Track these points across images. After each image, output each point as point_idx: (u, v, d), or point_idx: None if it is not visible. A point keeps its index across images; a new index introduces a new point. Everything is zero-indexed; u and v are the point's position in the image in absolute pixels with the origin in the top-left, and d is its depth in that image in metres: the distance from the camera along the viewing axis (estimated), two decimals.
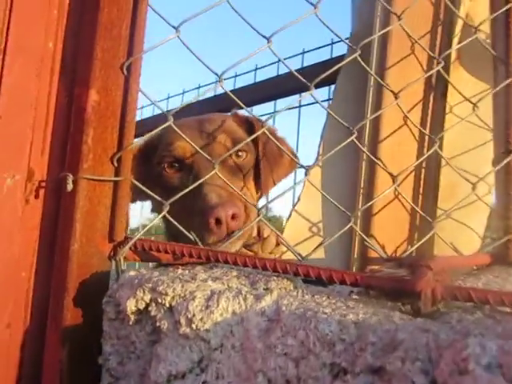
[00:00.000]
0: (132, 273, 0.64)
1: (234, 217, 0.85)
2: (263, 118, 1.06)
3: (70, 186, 0.68)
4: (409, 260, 0.64)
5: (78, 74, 0.75)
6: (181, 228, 0.72)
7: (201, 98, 2.00)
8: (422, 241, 0.84)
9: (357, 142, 0.82)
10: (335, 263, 0.96)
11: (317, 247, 0.79)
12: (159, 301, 0.56)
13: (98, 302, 0.67)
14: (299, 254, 0.78)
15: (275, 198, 0.92)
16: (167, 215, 0.73)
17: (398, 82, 0.91)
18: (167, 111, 0.75)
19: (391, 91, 0.85)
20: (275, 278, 0.62)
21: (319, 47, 1.73)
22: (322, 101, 1.56)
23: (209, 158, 0.77)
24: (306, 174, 0.80)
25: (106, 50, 0.73)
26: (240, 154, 1.05)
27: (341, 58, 1.16)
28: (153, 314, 0.57)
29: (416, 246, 0.84)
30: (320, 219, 0.99)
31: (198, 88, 2.02)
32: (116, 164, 0.72)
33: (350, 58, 0.80)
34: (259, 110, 1.92)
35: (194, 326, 0.53)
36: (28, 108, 0.73)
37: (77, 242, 0.68)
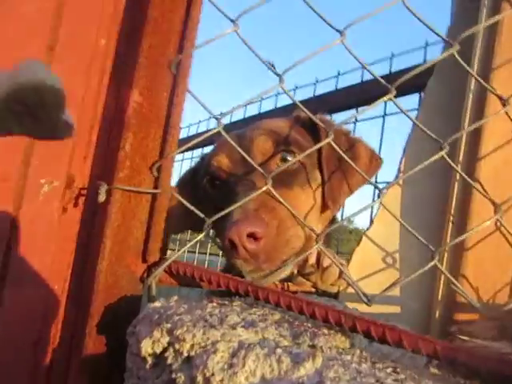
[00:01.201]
0: (157, 304, 0.55)
1: (254, 237, 0.67)
2: (327, 119, 0.88)
3: (102, 197, 0.60)
4: None
5: (126, 73, 0.68)
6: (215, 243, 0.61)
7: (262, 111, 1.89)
8: None
9: (448, 159, 0.65)
10: (412, 305, 0.79)
11: (389, 287, 0.64)
12: (176, 347, 0.46)
13: (125, 330, 0.58)
14: (365, 295, 0.63)
15: (343, 220, 0.78)
16: (212, 237, 0.63)
17: (508, 85, 0.72)
18: (217, 116, 0.65)
19: (498, 96, 0.67)
20: (326, 329, 0.48)
21: (410, 50, 1.54)
22: (409, 110, 1.38)
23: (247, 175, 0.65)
24: (379, 196, 0.65)
25: (153, 47, 0.65)
26: (288, 157, 0.85)
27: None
28: (169, 361, 0.46)
29: None
30: (396, 248, 0.83)
31: (245, 106, 1.88)
32: (156, 174, 0.63)
33: (445, 54, 0.64)
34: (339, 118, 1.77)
35: None
36: (72, 108, 0.68)
37: (105, 260, 0.61)
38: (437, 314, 0.75)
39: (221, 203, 0.73)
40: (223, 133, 0.65)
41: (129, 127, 0.62)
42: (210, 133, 0.63)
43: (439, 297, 0.75)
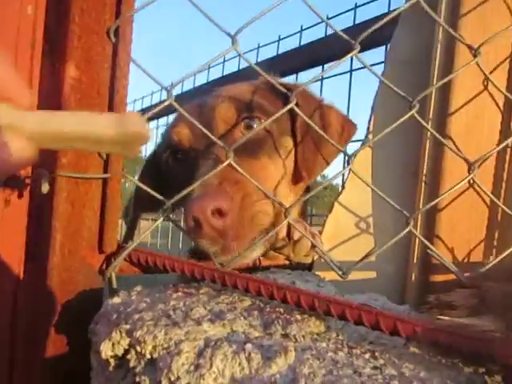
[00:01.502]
0: (116, 299, 0.50)
1: (219, 212, 0.61)
2: (300, 84, 0.79)
3: (44, 187, 0.54)
4: (495, 291, 0.45)
5: (59, 45, 0.60)
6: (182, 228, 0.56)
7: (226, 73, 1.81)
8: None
9: (418, 118, 0.62)
10: (388, 268, 0.77)
11: (364, 258, 0.61)
12: (138, 349, 0.42)
13: (88, 327, 0.54)
14: (339, 268, 0.60)
15: (315, 190, 0.74)
16: (172, 220, 0.58)
17: (477, 33, 0.68)
18: (168, 87, 0.58)
19: (468, 46, 0.63)
20: (299, 315, 0.45)
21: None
22: (376, 64, 1.33)
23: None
24: (348, 163, 0.61)
25: (86, 12, 0.57)
26: (253, 124, 0.77)
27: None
28: (132, 364, 0.43)
29: (503, 256, 0.63)
30: (370, 213, 0.80)
31: (208, 69, 1.80)
32: (104, 156, 0.57)
33: (411, 2, 0.58)
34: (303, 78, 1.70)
35: None
36: None
37: (56, 255, 0.55)
38: (413, 277, 0.74)
39: (184, 179, 0.68)
40: (175, 105, 0.58)
41: (67, 106, 0.56)
42: (161, 106, 0.57)
43: (415, 259, 0.74)
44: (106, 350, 0.44)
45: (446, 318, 0.39)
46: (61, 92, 0.56)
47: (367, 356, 0.38)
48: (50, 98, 0.60)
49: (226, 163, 0.58)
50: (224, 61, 1.77)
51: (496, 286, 0.44)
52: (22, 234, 0.60)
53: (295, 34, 1.75)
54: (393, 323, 0.38)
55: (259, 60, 1.71)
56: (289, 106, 0.59)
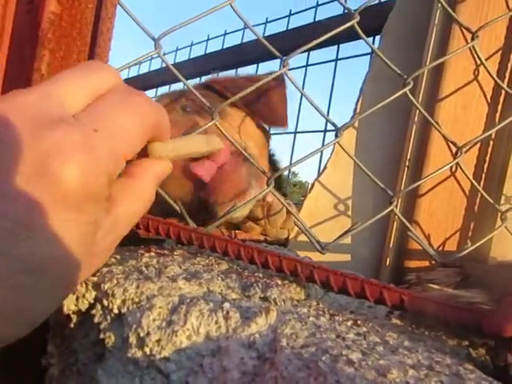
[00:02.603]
0: None
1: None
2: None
3: None
4: (477, 269, 0.44)
5: None
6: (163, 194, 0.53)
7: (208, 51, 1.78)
8: (490, 235, 0.63)
9: (410, 96, 0.61)
10: (363, 253, 0.77)
11: (342, 235, 0.60)
12: (105, 303, 0.38)
13: None
14: (318, 242, 0.59)
15: (296, 163, 0.72)
16: None
17: (475, 18, 0.68)
18: (155, 37, 0.54)
19: (467, 29, 0.62)
20: (280, 280, 0.43)
21: None
22: (361, 55, 1.32)
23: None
24: (336, 135, 0.59)
25: None
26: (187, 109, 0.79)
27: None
28: (97, 320, 0.39)
29: (481, 243, 0.63)
30: (350, 195, 0.79)
31: (207, 40, 1.78)
32: None
33: None
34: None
35: (147, 350, 0.35)
36: None
37: None
38: (387, 262, 0.73)
39: None
40: (163, 58, 0.55)
41: (44, 43, 0.51)
42: (147, 55, 0.53)
43: (391, 244, 0.73)
44: (69, 304, 0.41)
45: (434, 286, 0.38)
46: (37, 28, 0.52)
47: (349, 323, 0.37)
48: (26, 36, 0.55)
49: (211, 123, 0.55)
50: (225, 33, 1.73)
51: (477, 265, 0.43)
52: None
53: (284, 17, 1.72)
54: (379, 291, 0.37)
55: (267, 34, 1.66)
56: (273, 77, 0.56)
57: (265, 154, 0.88)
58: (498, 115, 0.73)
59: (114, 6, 0.54)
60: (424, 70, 0.67)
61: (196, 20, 0.53)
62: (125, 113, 0.32)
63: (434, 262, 0.63)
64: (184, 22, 0.55)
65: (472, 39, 0.62)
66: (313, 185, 0.80)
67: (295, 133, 1.40)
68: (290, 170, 1.72)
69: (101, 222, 0.31)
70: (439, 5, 0.68)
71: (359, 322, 0.37)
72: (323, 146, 0.64)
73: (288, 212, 0.71)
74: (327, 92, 1.48)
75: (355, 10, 0.58)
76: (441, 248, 0.73)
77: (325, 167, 0.79)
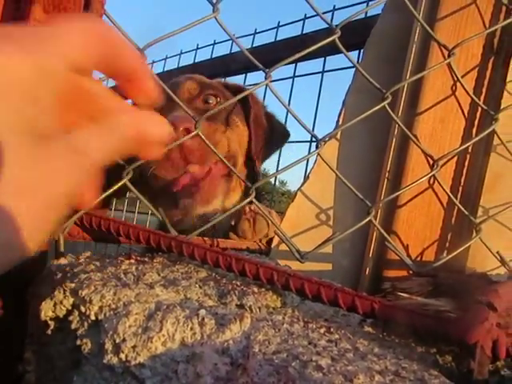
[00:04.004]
0: (63, 260, 0.47)
1: (187, 132, 0.67)
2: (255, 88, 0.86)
3: None
4: (449, 279, 0.45)
5: None
6: (141, 198, 0.54)
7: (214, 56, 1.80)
8: (464, 247, 0.65)
9: (389, 110, 0.62)
10: (343, 262, 0.78)
11: (322, 244, 0.61)
12: (82, 310, 0.39)
13: (26, 291, 0.50)
14: (298, 251, 0.60)
15: (281, 170, 0.74)
16: (127, 183, 0.55)
17: (452, 37, 0.70)
18: (140, 47, 0.55)
19: (444, 46, 0.64)
20: (257, 288, 0.44)
21: (352, 4, 1.49)
22: (344, 68, 1.35)
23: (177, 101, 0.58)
24: (317, 146, 0.61)
25: None
26: (210, 100, 0.88)
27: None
28: (74, 326, 0.40)
29: (455, 254, 0.64)
30: (331, 205, 0.80)
31: (196, 49, 1.80)
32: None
33: None
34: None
35: (123, 357, 0.35)
36: None
37: None
38: (367, 271, 0.75)
39: None
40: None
41: None
42: None
43: (370, 254, 0.74)
44: (46, 310, 0.41)
45: (404, 295, 0.39)
46: None
47: (322, 330, 0.38)
48: None
49: (194, 133, 0.56)
50: (214, 43, 1.75)
51: (450, 275, 0.45)
52: None
53: (272, 29, 1.75)
54: (351, 299, 0.38)
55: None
56: (263, 83, 0.58)
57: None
58: (474, 129, 0.75)
59: (100, 16, 0.55)
60: (403, 85, 0.69)
61: (181, 32, 0.54)
62: None
63: (411, 271, 0.65)
64: (169, 33, 0.56)
65: (448, 56, 0.64)
66: (296, 194, 0.82)
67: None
68: (276, 178, 1.74)
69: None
70: (418, 22, 0.70)
71: (332, 329, 0.38)
72: (309, 153, 0.66)
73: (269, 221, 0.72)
74: (314, 101, 1.50)
75: (336, 26, 0.59)
76: (419, 258, 0.75)
77: (307, 177, 0.81)
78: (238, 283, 0.44)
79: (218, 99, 0.89)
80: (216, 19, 0.57)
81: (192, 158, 0.75)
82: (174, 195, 0.73)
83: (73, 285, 0.40)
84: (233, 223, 0.72)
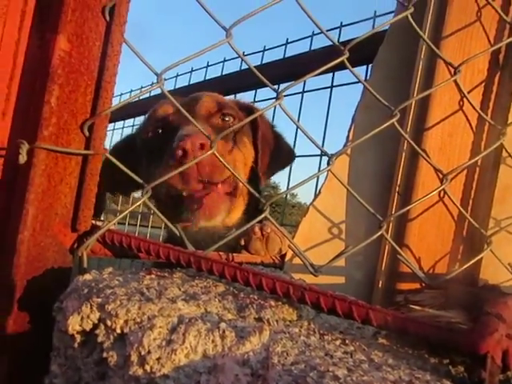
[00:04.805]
0: (88, 276, 0.49)
1: (202, 147, 0.76)
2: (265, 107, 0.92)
3: (22, 158, 0.52)
4: (461, 291, 0.47)
5: (52, 16, 0.59)
6: (155, 211, 0.56)
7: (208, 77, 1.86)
8: (476, 259, 0.66)
9: (398, 126, 0.64)
10: (356, 275, 0.79)
11: (335, 258, 0.62)
12: (108, 324, 0.41)
13: (52, 306, 0.52)
14: (311, 265, 0.61)
15: (294, 186, 0.76)
16: (147, 201, 0.57)
17: (457, 55, 0.72)
18: (157, 72, 0.58)
19: (449, 64, 0.66)
20: (273, 301, 0.45)
21: (359, 21, 1.52)
22: (354, 83, 1.37)
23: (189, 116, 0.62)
24: (328, 163, 0.62)
25: None
26: (226, 118, 0.96)
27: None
28: (100, 339, 0.42)
29: (466, 266, 0.65)
30: (343, 219, 0.82)
31: (206, 66, 1.86)
32: (87, 133, 0.56)
33: (399, 16, 0.61)
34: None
35: (148, 368, 0.37)
36: None
37: (27, 228, 0.54)
38: (380, 284, 0.76)
39: (161, 148, 0.82)
40: (163, 90, 0.59)
41: (54, 78, 0.55)
42: (150, 88, 0.57)
43: (383, 267, 0.76)
44: (74, 324, 0.43)
45: (417, 307, 0.41)
46: (48, 64, 0.55)
47: (338, 342, 0.39)
48: (37, 70, 0.59)
49: (210, 152, 0.59)
50: (224, 60, 1.80)
51: (461, 288, 0.46)
52: None
53: (280, 46, 1.79)
54: (365, 312, 0.39)
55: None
56: (275, 103, 0.60)
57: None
58: (483, 143, 0.76)
59: (120, 44, 0.58)
60: (411, 102, 0.71)
61: (195, 57, 0.57)
62: None
63: (423, 284, 0.66)
64: (184, 58, 0.58)
65: (454, 73, 0.66)
66: (308, 209, 0.83)
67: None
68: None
69: None
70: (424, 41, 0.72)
71: (347, 341, 0.40)
72: (319, 170, 0.68)
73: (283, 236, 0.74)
74: (324, 116, 1.52)
75: (344, 46, 0.62)
76: (431, 271, 0.76)
77: (319, 192, 0.82)
78: (256, 297, 0.46)
79: (233, 119, 0.96)
80: (229, 43, 0.60)
81: (203, 172, 0.80)
82: (180, 207, 0.78)
83: (99, 300, 0.42)
84: (242, 243, 0.75)
